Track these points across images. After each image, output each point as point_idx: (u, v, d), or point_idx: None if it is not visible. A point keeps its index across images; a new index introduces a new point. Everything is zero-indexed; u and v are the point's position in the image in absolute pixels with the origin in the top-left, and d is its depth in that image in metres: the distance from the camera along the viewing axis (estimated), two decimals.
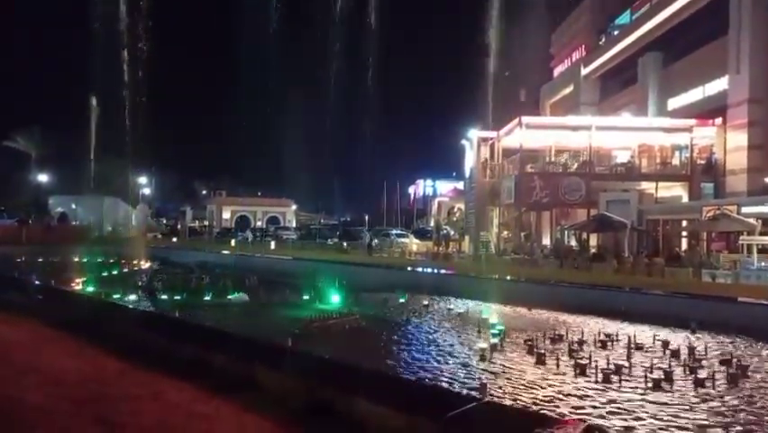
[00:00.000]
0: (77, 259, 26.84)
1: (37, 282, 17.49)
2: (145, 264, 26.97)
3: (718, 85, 30.17)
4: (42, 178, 64.15)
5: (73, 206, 54.40)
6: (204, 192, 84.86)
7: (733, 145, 28.21)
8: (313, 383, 5.95)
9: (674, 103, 34.07)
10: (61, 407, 5.65)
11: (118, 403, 5.75)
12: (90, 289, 17.47)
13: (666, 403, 7.25)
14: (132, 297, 16.22)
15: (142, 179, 67.83)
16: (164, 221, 68.92)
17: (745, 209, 22.34)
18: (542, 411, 6.53)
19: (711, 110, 30.19)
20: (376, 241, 35.25)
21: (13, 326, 10.10)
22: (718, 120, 29.44)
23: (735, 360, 9.34)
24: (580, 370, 8.55)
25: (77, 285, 18.01)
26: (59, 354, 8.07)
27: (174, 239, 45.83)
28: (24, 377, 6.72)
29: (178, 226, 58.39)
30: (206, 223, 68.34)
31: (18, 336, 9.23)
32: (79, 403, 5.77)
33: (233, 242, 40.18)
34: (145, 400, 5.89)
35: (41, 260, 28.18)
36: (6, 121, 59.68)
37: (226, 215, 69.69)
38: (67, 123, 57.60)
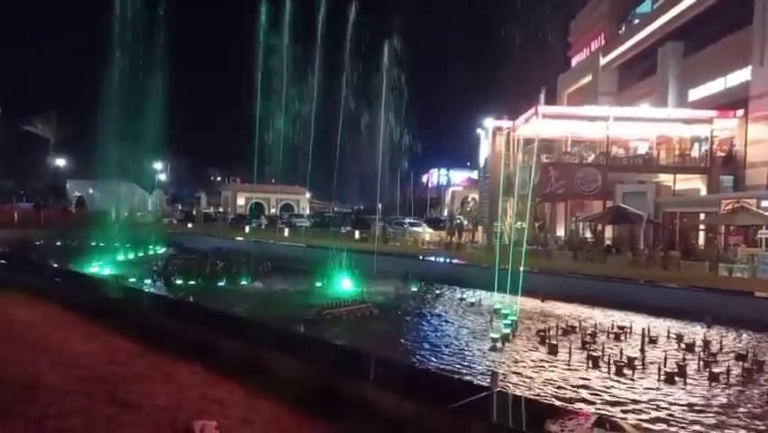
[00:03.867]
0: (93, 243, 27.17)
1: (54, 265, 17.75)
2: (160, 249, 27.25)
3: (740, 76, 29.53)
4: (60, 162, 65.01)
5: (90, 190, 55.13)
6: (218, 179, 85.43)
7: (754, 138, 27.66)
8: (324, 370, 5.98)
9: (695, 94, 33.44)
10: (77, 387, 5.74)
11: (132, 384, 5.83)
12: (106, 273, 17.69)
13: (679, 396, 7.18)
14: (147, 281, 16.42)
15: (158, 165, 68.51)
16: (179, 207, 69.54)
17: (765, 203, 21.95)
18: (553, 402, 6.50)
19: (732, 102, 29.59)
20: (391, 230, 35.17)
21: (31, 307, 10.26)
22: (740, 112, 28.87)
23: (750, 355, 9.22)
24: (593, 362, 8.50)
25: (94, 269, 18.25)
26: (75, 335, 8.19)
27: (189, 225, 46.22)
28: (41, 357, 6.83)
29: (193, 212, 58.88)
30: (221, 209, 68.78)
31: (35, 318, 9.38)
32: (94, 383, 5.86)
33: (247, 228, 40.42)
34: (158, 382, 5.96)
35: (58, 243, 28.61)
36: (25, 105, 60.44)
37: (240, 201, 70.00)
38: (84, 108, 58.16)
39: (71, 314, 9.64)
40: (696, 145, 32.04)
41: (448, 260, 23.46)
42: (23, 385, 5.73)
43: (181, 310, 10.31)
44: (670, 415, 6.52)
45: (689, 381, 7.87)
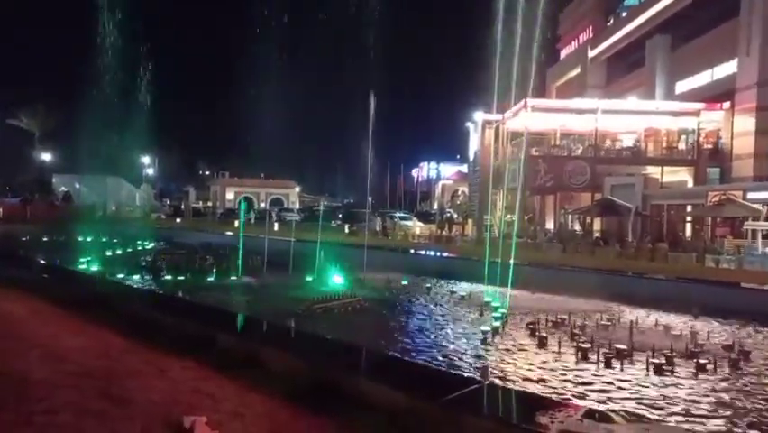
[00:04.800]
0: (81, 238, 26.94)
1: (42, 261, 17.58)
2: (149, 244, 27.06)
3: (727, 68, 29.81)
4: (46, 156, 64.23)
5: (77, 185, 54.61)
6: (207, 173, 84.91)
7: (740, 130, 27.96)
8: (316, 364, 5.99)
9: (682, 86, 33.71)
10: (67, 382, 5.70)
11: (123, 379, 5.80)
12: (94, 268, 17.55)
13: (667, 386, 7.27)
14: (136, 276, 16.31)
15: (146, 159, 67.94)
16: (167, 201, 69.01)
17: (750, 195, 22.22)
18: (543, 394, 6.56)
19: (719, 94, 29.88)
20: (390, 224, 34.73)
21: (20, 303, 10.17)
22: (726, 104, 29.15)
23: (737, 345, 9.35)
24: (582, 354, 8.58)
25: (82, 264, 18.09)
26: (65, 330, 8.13)
27: (178, 220, 45.90)
28: (31, 353, 6.78)
29: (182, 207, 58.50)
30: (210, 204, 68.39)
31: (24, 314, 9.30)
32: (84, 378, 5.82)
33: (236, 223, 40.22)
34: (150, 377, 5.94)
35: (45, 238, 28.31)
36: (10, 99, 59.57)
37: (230, 196, 69.68)
38: (70, 101, 57.49)
39: (60, 309, 9.57)
40: (683, 138, 32.33)
41: (438, 253, 23.52)
42: (13, 380, 5.69)
43: (171, 305, 10.26)
44: (657, 405, 6.61)
45: (676, 371, 7.97)
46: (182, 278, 16.19)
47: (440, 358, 8.52)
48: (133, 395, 5.35)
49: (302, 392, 5.41)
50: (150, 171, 70.66)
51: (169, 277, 16.22)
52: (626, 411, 6.18)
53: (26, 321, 8.74)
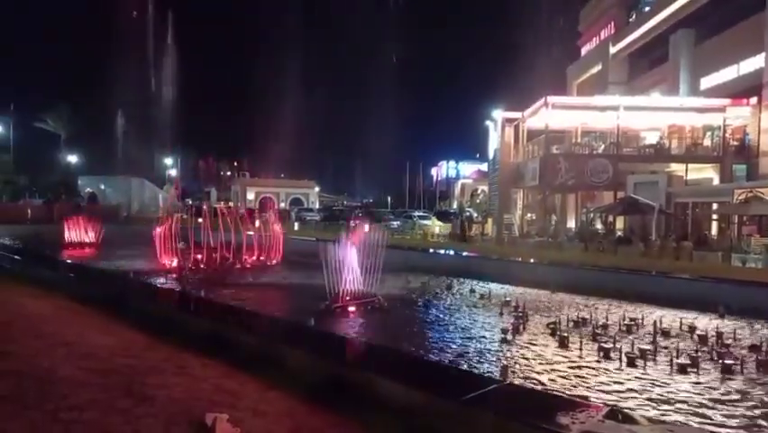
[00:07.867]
0: (105, 238, 27.41)
1: (67, 260, 17.94)
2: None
3: (754, 63, 29.12)
4: (72, 158, 65.55)
5: (102, 186, 55.66)
6: (228, 173, 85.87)
7: (767, 126, 27.32)
8: (335, 363, 6.01)
9: (707, 82, 33.02)
10: (91, 379, 5.80)
11: (146, 376, 5.88)
12: (118, 266, 17.85)
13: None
14: (159, 275, 16.55)
15: (169, 161, 68.90)
16: (189, 202, 69.87)
17: None
18: (563, 394, 6.49)
19: (746, 89, 29.20)
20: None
21: (45, 301, 10.38)
22: (753, 99, 28.49)
23: (764, 346, 9.13)
24: (604, 354, 8.46)
25: (105, 263, 18.43)
26: (88, 328, 8.27)
27: (199, 219, 46.40)
28: (55, 350, 6.91)
29: (203, 207, 59.13)
30: (231, 204, 69.05)
31: (49, 311, 9.49)
32: (108, 376, 5.92)
33: (257, 222, 40.52)
34: (172, 374, 6.01)
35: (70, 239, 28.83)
36: (36, 102, 60.96)
37: (250, 196, 70.25)
38: (96, 104, 58.60)
39: (85, 308, 9.74)
40: (708, 134, 31.68)
41: (457, 252, 23.40)
42: (39, 378, 5.80)
43: (193, 304, 10.39)
44: (682, 407, 6.49)
45: (701, 372, 7.82)
46: (203, 277, 16.39)
47: (458, 357, 8.48)
48: (156, 392, 5.42)
49: (321, 391, 5.43)
50: (173, 172, 71.62)
51: (190, 276, 16.44)
52: (648, 412, 6.08)
53: (51, 319, 8.92)
